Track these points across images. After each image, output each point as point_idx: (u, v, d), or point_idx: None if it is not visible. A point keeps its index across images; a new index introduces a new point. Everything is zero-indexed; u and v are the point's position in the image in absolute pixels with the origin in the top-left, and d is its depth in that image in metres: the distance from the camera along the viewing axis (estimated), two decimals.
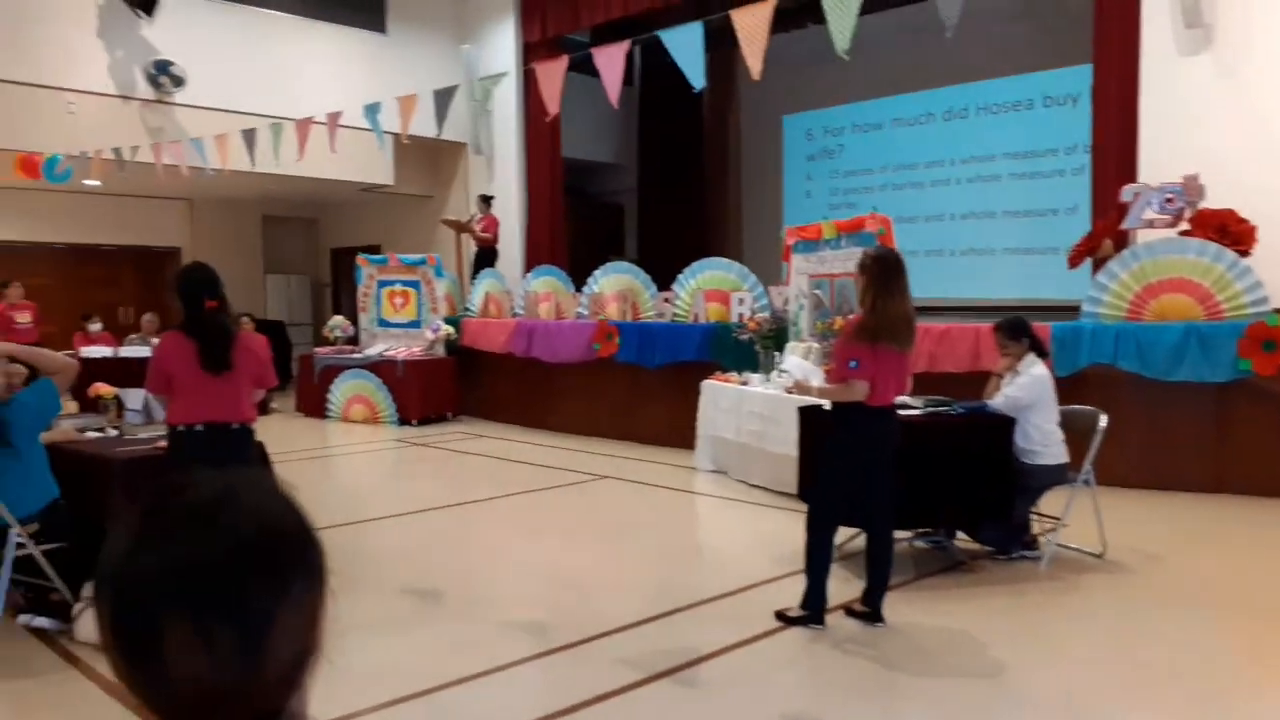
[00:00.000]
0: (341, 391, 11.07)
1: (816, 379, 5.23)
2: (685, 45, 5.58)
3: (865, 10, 5.68)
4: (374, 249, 14.06)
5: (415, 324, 11.46)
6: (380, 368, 10.87)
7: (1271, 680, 3.66)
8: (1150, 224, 7.16)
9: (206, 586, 0.78)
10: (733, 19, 5.83)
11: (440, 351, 11.09)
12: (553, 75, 6.60)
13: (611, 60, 5.99)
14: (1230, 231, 6.64)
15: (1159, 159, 7.69)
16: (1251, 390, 6.44)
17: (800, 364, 5.74)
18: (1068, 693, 3.51)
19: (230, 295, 4.11)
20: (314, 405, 11.35)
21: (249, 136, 10.25)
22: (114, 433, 5.28)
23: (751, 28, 5.62)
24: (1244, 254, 6.62)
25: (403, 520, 6.39)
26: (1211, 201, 6.99)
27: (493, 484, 7.39)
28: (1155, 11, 7.94)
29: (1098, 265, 7.58)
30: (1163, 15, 7.88)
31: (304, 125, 9.82)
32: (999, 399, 5.09)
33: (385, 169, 12.87)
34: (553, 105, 6.83)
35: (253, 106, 11.11)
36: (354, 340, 12.03)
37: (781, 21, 6.93)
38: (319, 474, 8.17)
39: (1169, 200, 6.99)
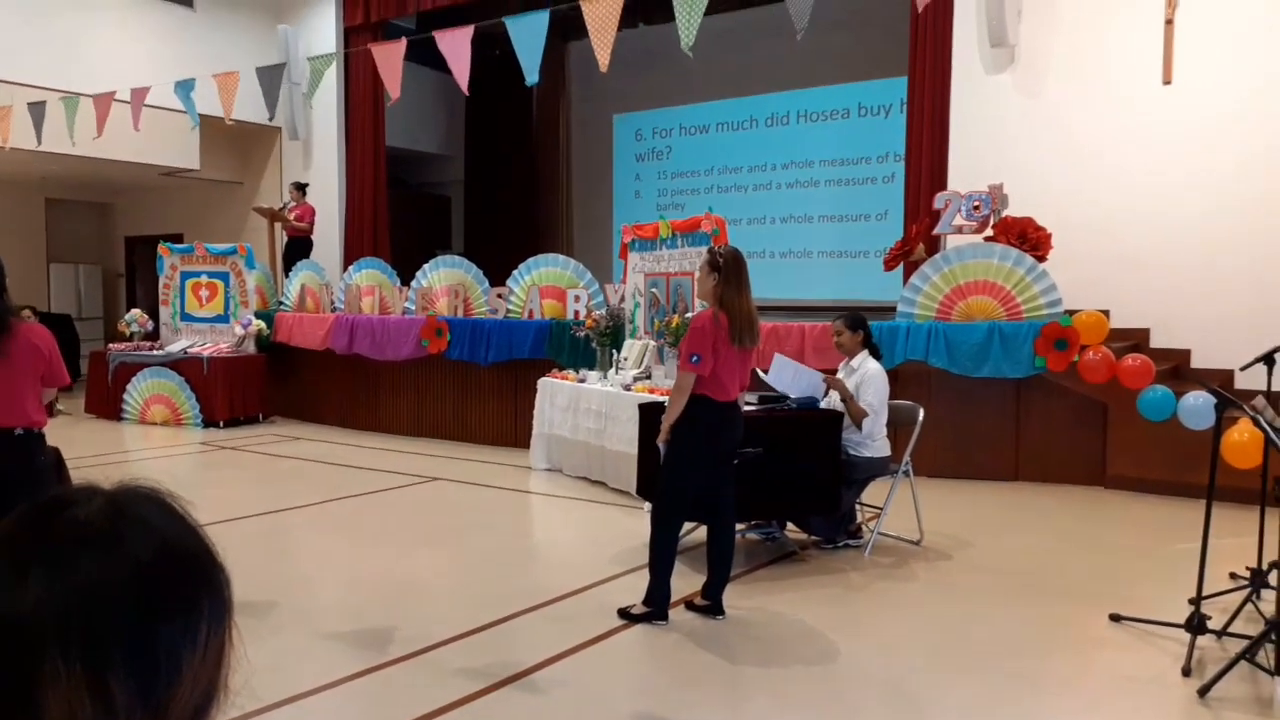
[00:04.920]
0: (139, 391, 10.22)
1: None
2: (529, 35, 5.43)
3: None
4: (176, 237, 13.06)
5: (223, 318, 10.72)
6: (183, 365, 10.09)
7: (1071, 651, 3.95)
8: (959, 230, 7.64)
9: (106, 624, 0.64)
10: (583, 9, 5.72)
11: (251, 348, 10.41)
12: (392, 57, 6.31)
13: (457, 46, 5.77)
14: (1029, 237, 7.18)
15: (966, 168, 8.23)
16: (1044, 386, 6.99)
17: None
18: (898, 675, 3.66)
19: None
20: (107, 406, 10.43)
21: (37, 111, 9.25)
22: None
23: (601, 18, 5.55)
24: (1041, 259, 7.17)
25: (214, 530, 5.87)
26: (1013, 210, 7.54)
27: (313, 489, 6.98)
28: (965, 30, 8.51)
29: (910, 268, 8.02)
30: (971, 34, 8.46)
31: (104, 101, 8.93)
32: (864, 418, 5.15)
33: (190, 152, 11.96)
34: (394, 89, 6.55)
35: (35, 78, 10.04)
36: (153, 336, 11.13)
37: None
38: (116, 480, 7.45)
39: (976, 207, 7.49)
